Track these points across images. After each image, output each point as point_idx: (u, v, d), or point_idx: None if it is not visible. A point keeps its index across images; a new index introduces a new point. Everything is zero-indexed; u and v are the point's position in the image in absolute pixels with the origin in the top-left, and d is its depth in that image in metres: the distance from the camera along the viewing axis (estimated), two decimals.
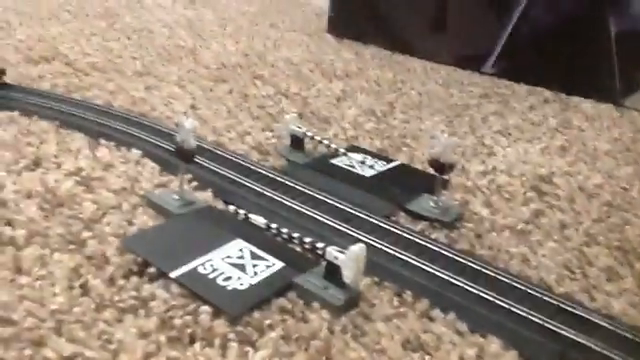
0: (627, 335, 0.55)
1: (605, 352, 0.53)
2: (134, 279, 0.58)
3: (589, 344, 0.53)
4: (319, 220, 0.69)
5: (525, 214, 0.77)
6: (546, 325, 0.55)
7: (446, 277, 0.61)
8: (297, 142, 0.87)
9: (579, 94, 1.29)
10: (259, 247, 0.63)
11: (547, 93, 1.30)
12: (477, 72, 1.41)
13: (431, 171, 0.75)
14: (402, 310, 0.57)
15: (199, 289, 0.56)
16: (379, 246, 0.65)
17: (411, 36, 1.51)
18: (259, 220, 0.66)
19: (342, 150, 0.86)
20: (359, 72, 1.34)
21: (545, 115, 1.17)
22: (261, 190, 0.74)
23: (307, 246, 0.62)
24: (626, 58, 1.24)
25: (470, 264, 0.63)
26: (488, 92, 1.28)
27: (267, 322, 0.54)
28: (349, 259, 0.56)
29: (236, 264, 0.60)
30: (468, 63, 1.43)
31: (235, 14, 1.79)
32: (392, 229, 0.68)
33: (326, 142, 0.86)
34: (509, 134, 1.05)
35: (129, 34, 1.45)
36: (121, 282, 0.57)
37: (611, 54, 1.24)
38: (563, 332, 0.54)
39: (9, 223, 0.64)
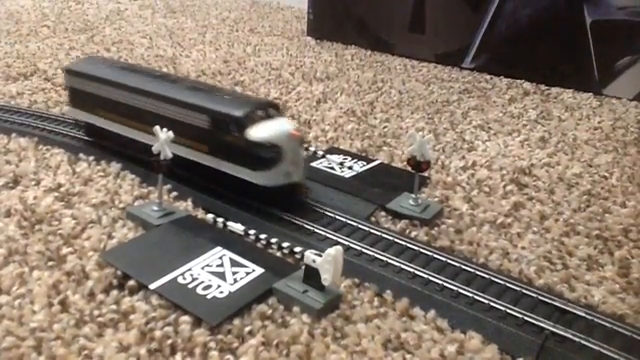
0: (605, 324, 0.55)
1: (584, 342, 0.53)
2: (114, 293, 0.58)
3: (567, 335, 0.54)
4: (299, 225, 0.69)
5: (505, 207, 0.78)
6: (525, 318, 0.56)
7: (425, 275, 0.61)
8: None
9: (559, 85, 1.29)
10: (239, 254, 0.63)
11: (527, 85, 1.31)
12: (458, 68, 1.42)
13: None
14: (382, 310, 0.58)
15: (178, 299, 0.56)
16: (359, 248, 0.65)
17: (391, 35, 1.52)
18: (237, 227, 0.66)
19: (320, 152, 0.86)
20: (339, 73, 1.34)
21: (525, 107, 1.17)
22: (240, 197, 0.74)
23: (285, 251, 0.62)
24: (603, 47, 1.24)
25: (449, 261, 0.63)
26: (468, 87, 1.28)
27: (247, 329, 0.54)
28: (326, 262, 0.56)
29: (216, 272, 0.60)
30: (448, 59, 1.43)
31: (215, 21, 1.79)
32: (371, 230, 0.68)
33: (304, 145, 0.86)
34: (489, 128, 1.06)
35: (108, 46, 1.45)
36: (101, 296, 0.57)
37: (588, 43, 1.25)
38: (542, 324, 0.55)
39: None
